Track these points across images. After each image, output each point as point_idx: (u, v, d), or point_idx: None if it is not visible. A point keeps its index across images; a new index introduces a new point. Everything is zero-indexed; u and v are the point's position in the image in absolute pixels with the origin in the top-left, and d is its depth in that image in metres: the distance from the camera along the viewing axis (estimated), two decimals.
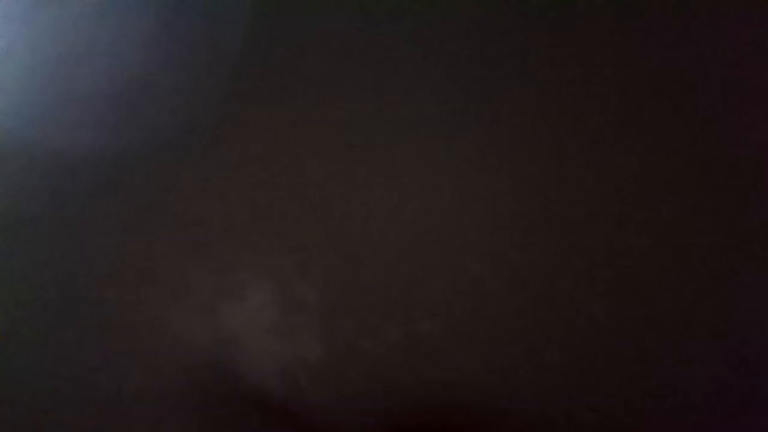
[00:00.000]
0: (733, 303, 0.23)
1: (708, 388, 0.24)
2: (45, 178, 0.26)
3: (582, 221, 0.24)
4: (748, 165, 0.23)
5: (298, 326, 0.25)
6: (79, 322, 0.26)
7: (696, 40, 0.23)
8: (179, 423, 0.26)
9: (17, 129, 0.26)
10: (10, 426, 0.27)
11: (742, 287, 0.23)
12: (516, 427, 0.24)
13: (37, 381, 0.26)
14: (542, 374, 0.24)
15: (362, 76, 0.25)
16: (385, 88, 0.25)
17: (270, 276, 0.25)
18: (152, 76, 0.26)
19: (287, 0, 0.25)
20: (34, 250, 0.26)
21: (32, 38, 0.26)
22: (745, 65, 0.23)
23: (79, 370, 0.26)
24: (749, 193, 0.23)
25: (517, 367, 0.24)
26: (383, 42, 0.24)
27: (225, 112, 0.25)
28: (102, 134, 0.26)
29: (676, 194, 0.23)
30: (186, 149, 0.25)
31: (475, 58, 0.24)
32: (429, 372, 0.25)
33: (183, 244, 0.26)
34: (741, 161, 0.23)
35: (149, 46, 0.26)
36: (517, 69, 0.24)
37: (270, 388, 0.26)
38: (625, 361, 0.24)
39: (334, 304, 0.25)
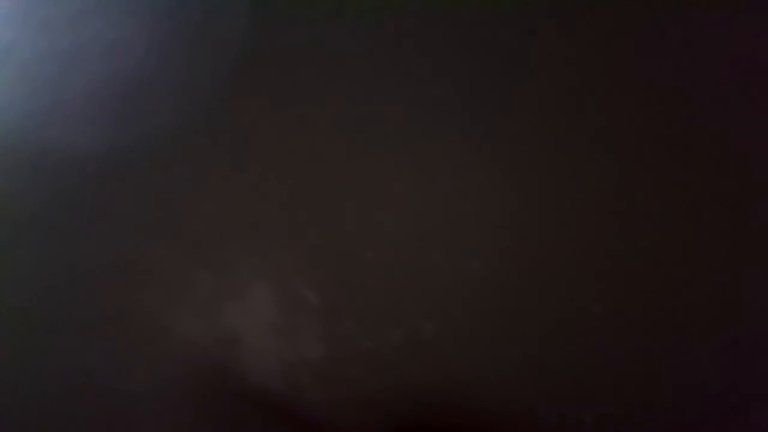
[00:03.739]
0: (733, 303, 0.23)
1: (707, 388, 0.24)
2: (45, 177, 0.26)
3: (582, 222, 0.24)
4: (748, 166, 0.23)
5: (300, 326, 0.25)
6: (80, 322, 0.26)
7: (696, 42, 0.23)
8: (181, 422, 0.26)
9: (18, 128, 0.26)
10: (10, 426, 0.26)
11: (742, 287, 0.23)
12: (516, 427, 0.24)
13: (37, 381, 0.26)
14: (542, 374, 0.24)
15: (363, 78, 0.25)
16: (386, 90, 0.25)
17: (272, 276, 0.25)
18: (153, 75, 0.26)
19: (287, 1, 0.25)
20: (34, 250, 0.26)
21: (33, 37, 0.26)
22: (745, 66, 0.23)
23: (80, 370, 0.26)
24: (749, 194, 0.23)
25: (517, 368, 0.24)
26: (385, 44, 0.24)
27: (226, 112, 0.25)
28: (102, 133, 0.26)
29: (675, 195, 0.23)
30: (187, 149, 0.25)
31: (476, 63, 0.24)
32: (430, 372, 0.25)
33: (185, 245, 0.26)
34: (741, 162, 0.23)
35: (150, 46, 0.26)
36: (519, 73, 0.24)
37: (271, 387, 0.26)
38: (625, 362, 0.24)
39: (335, 305, 0.25)
